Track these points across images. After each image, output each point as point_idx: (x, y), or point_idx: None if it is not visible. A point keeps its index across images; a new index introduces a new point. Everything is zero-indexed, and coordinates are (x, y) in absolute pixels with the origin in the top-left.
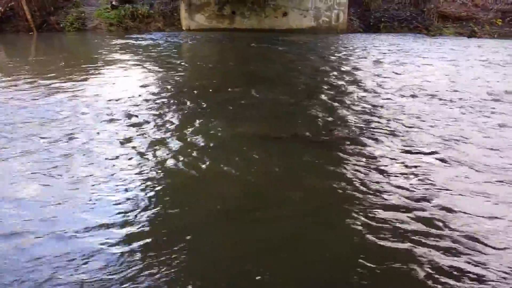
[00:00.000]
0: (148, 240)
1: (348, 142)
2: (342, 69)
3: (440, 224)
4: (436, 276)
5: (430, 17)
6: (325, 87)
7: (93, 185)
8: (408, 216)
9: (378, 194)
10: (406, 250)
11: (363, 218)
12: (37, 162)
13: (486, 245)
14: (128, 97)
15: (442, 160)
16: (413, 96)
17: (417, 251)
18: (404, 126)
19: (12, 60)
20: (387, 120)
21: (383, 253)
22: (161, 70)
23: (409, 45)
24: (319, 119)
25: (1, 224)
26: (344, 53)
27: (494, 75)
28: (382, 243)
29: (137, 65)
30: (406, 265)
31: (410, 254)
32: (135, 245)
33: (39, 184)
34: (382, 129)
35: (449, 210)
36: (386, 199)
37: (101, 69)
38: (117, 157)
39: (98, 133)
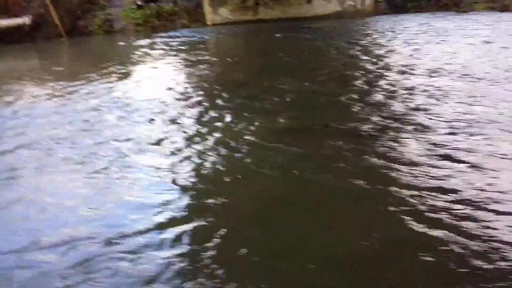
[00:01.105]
0: (180, 238)
1: (385, 133)
2: (372, 53)
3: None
4: None
5: None
6: (356, 73)
7: (127, 184)
8: (460, 215)
9: (423, 187)
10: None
11: (407, 218)
12: (76, 171)
13: None
14: (158, 96)
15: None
16: (449, 77)
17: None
18: (444, 111)
19: (46, 66)
20: (424, 105)
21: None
22: (188, 66)
23: (440, 24)
24: (352, 108)
25: None
26: (373, 36)
27: None
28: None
29: (165, 63)
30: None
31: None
32: (169, 239)
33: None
34: (421, 115)
35: None
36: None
37: (131, 70)
38: (147, 155)
39: (132, 132)
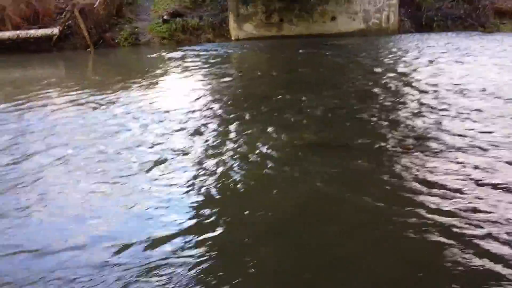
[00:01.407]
0: (195, 249)
1: (406, 151)
2: (396, 70)
3: None
4: None
5: (485, 14)
6: (378, 91)
7: (147, 194)
8: (477, 235)
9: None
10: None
11: (423, 239)
12: (91, 174)
13: None
14: (182, 108)
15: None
16: (473, 96)
17: None
18: (466, 130)
19: (71, 76)
20: (447, 124)
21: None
22: (212, 80)
23: (465, 44)
24: (374, 125)
25: None
26: (397, 54)
27: None
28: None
29: (190, 76)
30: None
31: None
32: (184, 251)
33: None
34: (444, 134)
35: None
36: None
37: (155, 82)
38: (172, 167)
39: (153, 142)
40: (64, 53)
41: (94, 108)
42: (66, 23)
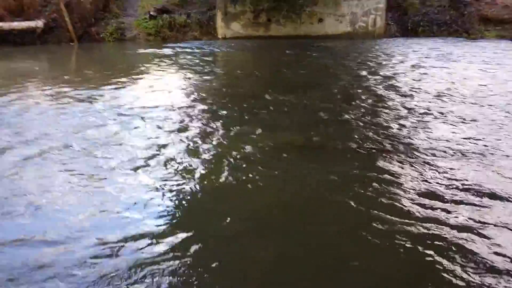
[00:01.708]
0: (175, 249)
1: (385, 153)
2: (380, 74)
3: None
4: None
5: (470, 20)
6: (363, 93)
7: (123, 192)
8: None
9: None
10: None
11: (403, 239)
12: (70, 172)
13: None
14: (165, 105)
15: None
16: (452, 101)
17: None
18: (446, 133)
19: (54, 69)
20: (425, 126)
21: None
22: (197, 77)
23: (449, 49)
24: (355, 127)
25: None
26: (381, 57)
27: None
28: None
29: (172, 73)
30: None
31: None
32: (161, 251)
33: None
34: (420, 135)
35: None
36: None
37: (138, 77)
38: (148, 165)
39: (131, 139)
40: (47, 46)
41: (75, 103)
42: (51, 16)
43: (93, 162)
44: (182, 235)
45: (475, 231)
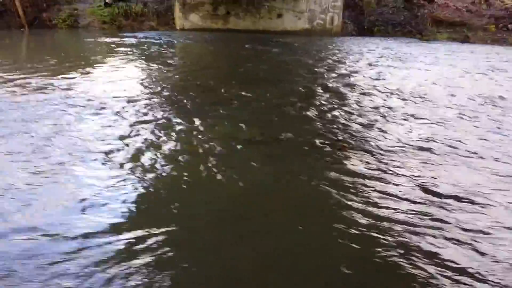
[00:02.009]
0: (130, 245)
1: (337, 148)
2: (336, 71)
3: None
4: None
5: (424, 22)
6: (319, 90)
7: (77, 187)
8: (411, 230)
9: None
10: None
11: (356, 228)
12: (25, 161)
13: None
14: (118, 96)
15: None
16: (406, 99)
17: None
18: (396, 129)
19: (2, 56)
20: (380, 124)
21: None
22: (152, 69)
23: (403, 49)
24: (312, 122)
25: None
26: (338, 55)
27: (486, 81)
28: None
29: (128, 63)
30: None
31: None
32: (120, 247)
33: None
34: (375, 132)
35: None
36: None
37: (91, 67)
38: (104, 158)
39: (85, 132)
40: None
41: (26, 94)
42: (0, 0)
43: (45, 155)
44: (139, 231)
45: (431, 228)
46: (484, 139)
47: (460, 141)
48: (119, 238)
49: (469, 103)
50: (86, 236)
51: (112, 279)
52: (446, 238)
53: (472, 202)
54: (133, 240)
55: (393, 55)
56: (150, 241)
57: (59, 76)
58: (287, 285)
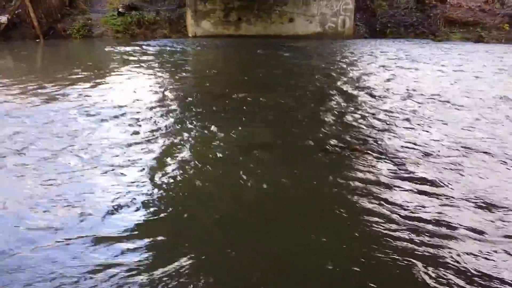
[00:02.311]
0: (143, 250)
1: (352, 151)
2: (350, 74)
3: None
4: None
5: (436, 23)
6: (333, 93)
7: (91, 192)
8: (422, 233)
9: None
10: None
11: (368, 234)
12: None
13: None
14: (134, 104)
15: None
16: (422, 102)
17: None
18: (415, 133)
19: (19, 67)
20: (394, 126)
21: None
22: (166, 76)
23: (416, 51)
24: (327, 127)
25: None
26: (351, 58)
27: (504, 81)
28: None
29: (142, 71)
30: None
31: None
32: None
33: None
34: (393, 136)
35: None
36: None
37: (107, 76)
38: (118, 165)
39: (101, 139)
40: (11, 43)
41: (42, 102)
42: (15, 11)
43: (60, 162)
44: (143, 236)
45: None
46: (501, 141)
47: (476, 143)
48: (133, 243)
49: (486, 104)
50: (97, 240)
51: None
52: (445, 238)
53: (486, 205)
54: (143, 246)
55: (407, 56)
56: (164, 247)
57: (74, 86)
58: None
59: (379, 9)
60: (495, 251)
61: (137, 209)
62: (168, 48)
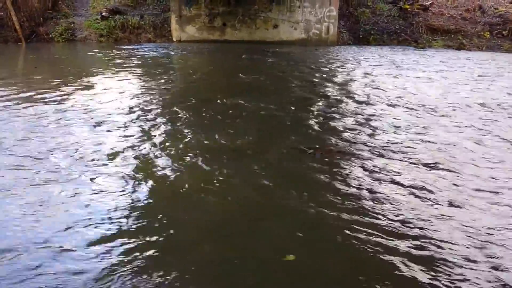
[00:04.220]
0: (131, 254)
1: (339, 155)
2: (333, 80)
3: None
4: None
5: (419, 30)
6: (317, 99)
7: (77, 199)
8: (401, 238)
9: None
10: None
11: (352, 236)
12: (17, 178)
13: None
14: (117, 109)
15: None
16: (404, 107)
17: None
18: (395, 137)
19: (1, 71)
20: (378, 132)
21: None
22: (151, 81)
23: (399, 57)
24: (310, 131)
25: None
26: (335, 65)
27: (483, 87)
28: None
29: (125, 76)
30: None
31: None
32: (120, 257)
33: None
34: (374, 141)
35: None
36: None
37: (90, 80)
38: (99, 171)
39: (83, 145)
40: None
41: (22, 106)
42: None
43: (40, 168)
44: (130, 242)
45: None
46: (478, 145)
47: (455, 148)
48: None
49: (466, 110)
50: (79, 247)
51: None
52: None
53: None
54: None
55: (389, 63)
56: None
57: (57, 90)
58: None
59: (362, 16)
60: None
61: (111, 218)
62: (152, 53)
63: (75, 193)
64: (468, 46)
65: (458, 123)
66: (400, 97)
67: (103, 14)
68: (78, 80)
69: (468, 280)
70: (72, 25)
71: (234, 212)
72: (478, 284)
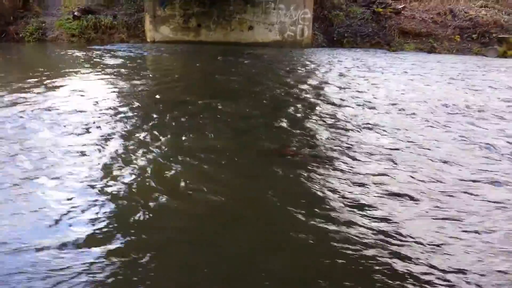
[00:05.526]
0: (104, 260)
1: (312, 157)
2: (307, 82)
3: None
4: None
5: (391, 33)
6: (290, 101)
7: (47, 202)
8: (370, 244)
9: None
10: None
11: (322, 240)
12: None
13: None
14: (88, 110)
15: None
16: (374, 108)
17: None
18: (368, 138)
19: None
20: (352, 133)
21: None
22: (123, 82)
23: (372, 60)
24: (284, 134)
25: None
26: (309, 67)
27: (452, 88)
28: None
29: (97, 77)
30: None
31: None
32: (94, 262)
33: None
34: (347, 142)
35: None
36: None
37: (60, 81)
38: (70, 172)
39: (53, 147)
40: None
41: None
42: None
43: (7, 170)
44: (101, 246)
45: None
46: (447, 144)
47: (422, 147)
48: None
49: (436, 110)
50: (51, 249)
51: None
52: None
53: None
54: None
55: (362, 65)
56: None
57: (26, 91)
58: None
59: (336, 19)
60: None
61: (85, 222)
62: (125, 53)
63: (31, 199)
64: (439, 49)
65: (425, 122)
66: (371, 98)
67: (75, 13)
68: (46, 82)
69: None
70: (43, 24)
71: (202, 216)
72: None
